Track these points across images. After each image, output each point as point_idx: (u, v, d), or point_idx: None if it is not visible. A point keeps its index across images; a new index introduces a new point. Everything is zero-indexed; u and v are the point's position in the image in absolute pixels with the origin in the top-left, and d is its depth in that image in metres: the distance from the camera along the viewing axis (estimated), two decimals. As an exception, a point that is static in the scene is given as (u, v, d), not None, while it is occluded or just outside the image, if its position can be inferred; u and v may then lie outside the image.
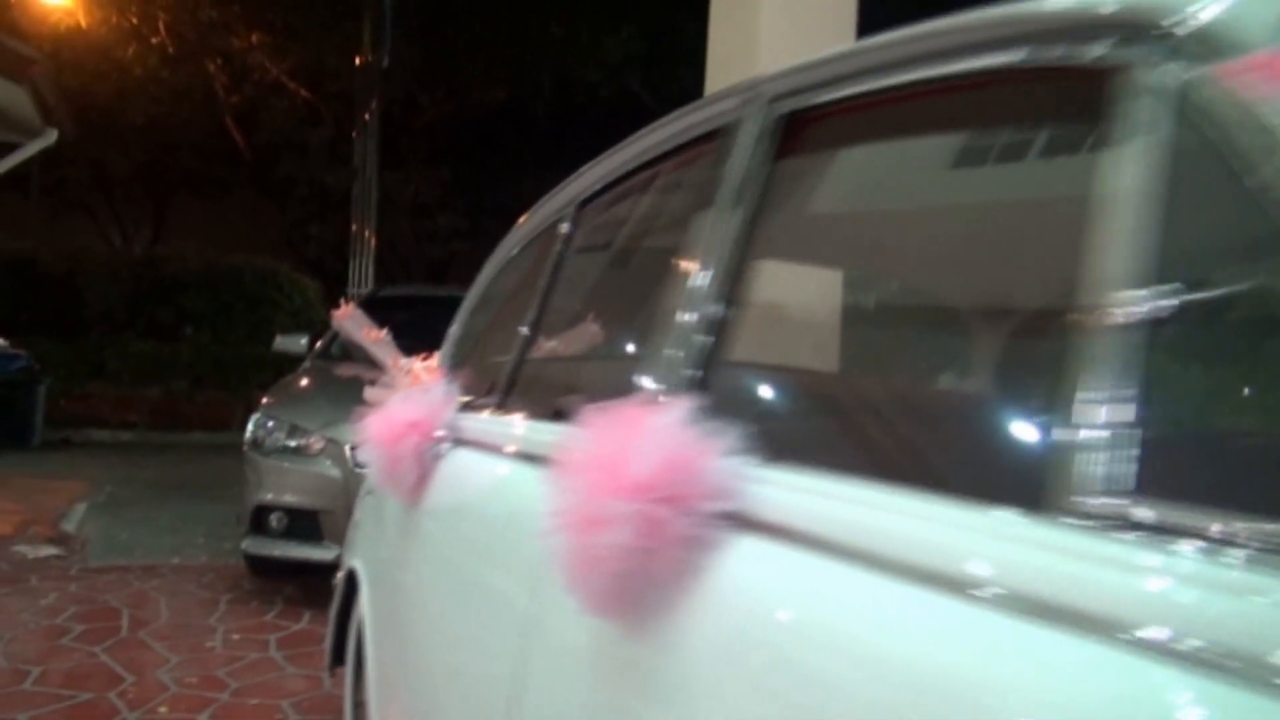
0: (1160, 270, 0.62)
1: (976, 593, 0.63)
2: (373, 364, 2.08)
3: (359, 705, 2.11)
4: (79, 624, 3.50)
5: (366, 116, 11.78)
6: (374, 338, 2.27)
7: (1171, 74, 0.65)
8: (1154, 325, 0.61)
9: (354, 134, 11.27)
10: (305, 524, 3.94)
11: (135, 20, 11.63)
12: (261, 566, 4.11)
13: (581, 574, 0.86)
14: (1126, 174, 0.66)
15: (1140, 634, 0.53)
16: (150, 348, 10.38)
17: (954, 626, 0.65)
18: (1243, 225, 0.61)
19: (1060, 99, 0.76)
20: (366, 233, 11.84)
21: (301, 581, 4.08)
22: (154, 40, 11.84)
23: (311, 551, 3.87)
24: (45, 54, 8.98)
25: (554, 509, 0.88)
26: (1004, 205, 0.78)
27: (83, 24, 11.18)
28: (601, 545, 0.83)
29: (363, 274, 11.57)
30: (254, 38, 12.09)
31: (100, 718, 2.72)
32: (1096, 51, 0.71)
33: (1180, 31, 0.65)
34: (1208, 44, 0.64)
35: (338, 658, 2.30)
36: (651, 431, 0.86)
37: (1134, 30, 0.69)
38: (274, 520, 3.96)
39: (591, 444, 0.88)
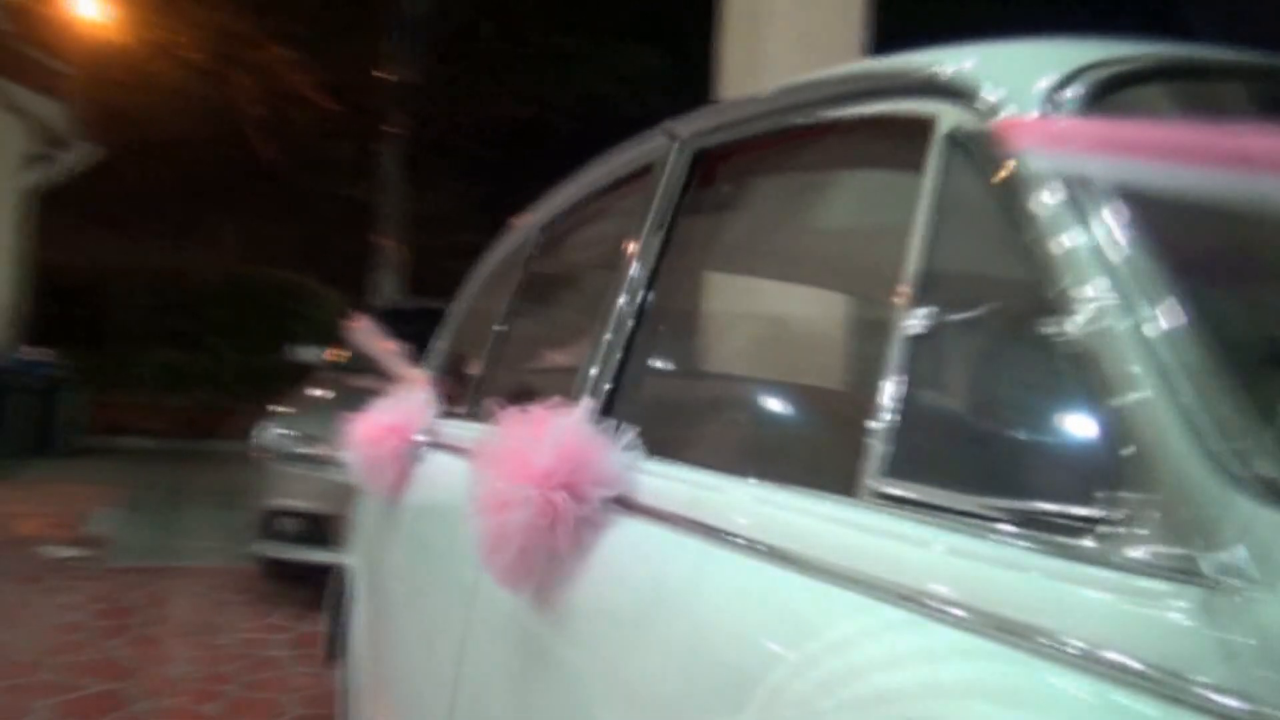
0: (936, 288, 0.78)
1: (795, 561, 0.80)
2: (384, 374, 2.27)
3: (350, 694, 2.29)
4: (97, 620, 3.73)
5: (393, 130, 12.11)
6: (385, 349, 2.46)
7: (961, 126, 0.81)
8: (933, 337, 0.77)
9: (378, 148, 11.57)
10: (315, 528, 4.14)
11: (167, 35, 12.06)
12: (273, 569, 4.33)
13: (492, 549, 1.03)
14: (924, 206, 0.82)
15: (905, 591, 0.69)
16: (176, 357, 10.73)
17: (778, 588, 0.81)
18: (1007, 252, 0.76)
19: (889, 143, 0.93)
20: (391, 246, 12.13)
21: (310, 584, 4.28)
22: (185, 55, 12.26)
23: (320, 555, 4.07)
24: (80, 70, 9.39)
25: (472, 494, 1.06)
26: (842, 230, 0.94)
27: (117, 40, 11.61)
28: (508, 524, 1.01)
29: (387, 287, 11.87)
30: (282, 52, 12.47)
31: (113, 707, 2.93)
32: (911, 105, 0.88)
33: (968, 93, 0.82)
34: (988, 105, 0.80)
35: (334, 650, 2.49)
36: (554, 429, 1.03)
37: (937, 89, 0.85)
38: (285, 524, 4.17)
39: (504, 439, 1.06)
